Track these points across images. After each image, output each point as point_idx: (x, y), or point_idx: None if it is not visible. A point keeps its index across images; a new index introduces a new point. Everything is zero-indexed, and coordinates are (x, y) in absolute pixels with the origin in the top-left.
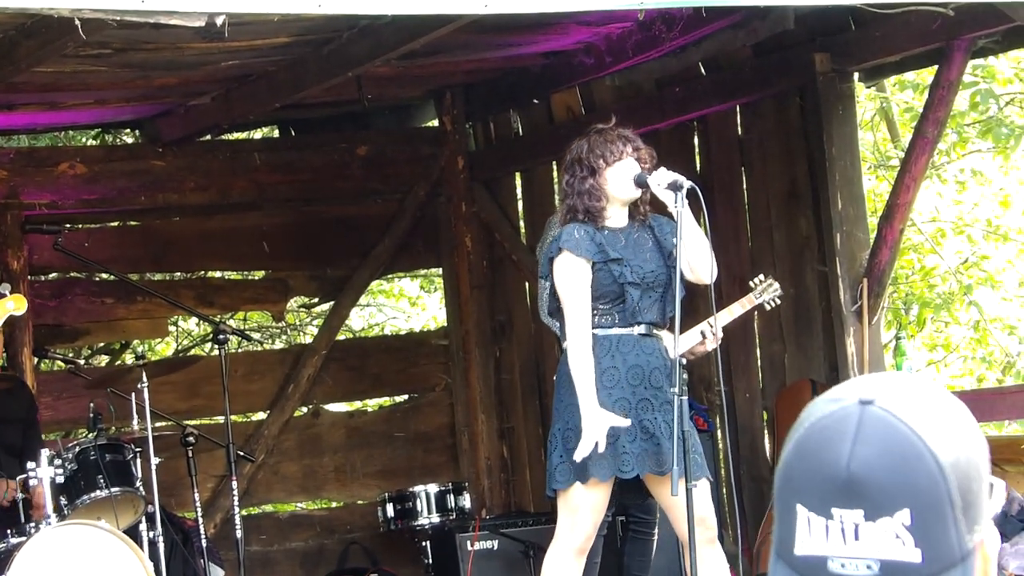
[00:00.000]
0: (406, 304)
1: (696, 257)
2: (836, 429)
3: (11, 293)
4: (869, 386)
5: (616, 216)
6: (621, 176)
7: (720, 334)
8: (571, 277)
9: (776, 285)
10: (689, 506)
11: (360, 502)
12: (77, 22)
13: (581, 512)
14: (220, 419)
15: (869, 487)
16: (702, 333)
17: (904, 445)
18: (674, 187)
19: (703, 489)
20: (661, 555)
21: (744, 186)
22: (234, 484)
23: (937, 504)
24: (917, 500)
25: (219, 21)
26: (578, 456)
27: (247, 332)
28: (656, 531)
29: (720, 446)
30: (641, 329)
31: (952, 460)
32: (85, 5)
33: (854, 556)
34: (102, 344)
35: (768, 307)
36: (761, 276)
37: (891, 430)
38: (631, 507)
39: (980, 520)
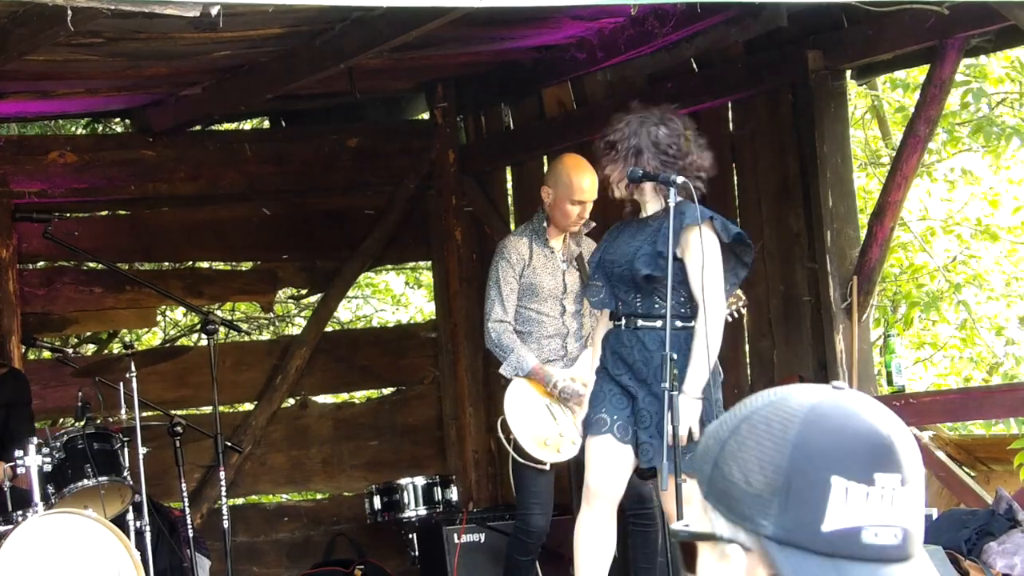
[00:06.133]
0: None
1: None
2: (846, 406)
3: None
4: (813, 388)
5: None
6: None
7: None
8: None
9: (739, 294)
10: (678, 500)
11: (347, 494)
12: (69, 11)
13: (589, 464)
14: (208, 409)
15: (903, 453)
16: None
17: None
18: (666, 182)
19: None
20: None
21: (735, 182)
22: (221, 474)
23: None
24: (921, 469)
25: (213, 11)
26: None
27: (235, 323)
28: (657, 521)
29: None
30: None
31: None
32: None
33: (888, 523)
34: (90, 333)
35: (730, 320)
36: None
37: (885, 408)
38: (627, 503)
39: None
